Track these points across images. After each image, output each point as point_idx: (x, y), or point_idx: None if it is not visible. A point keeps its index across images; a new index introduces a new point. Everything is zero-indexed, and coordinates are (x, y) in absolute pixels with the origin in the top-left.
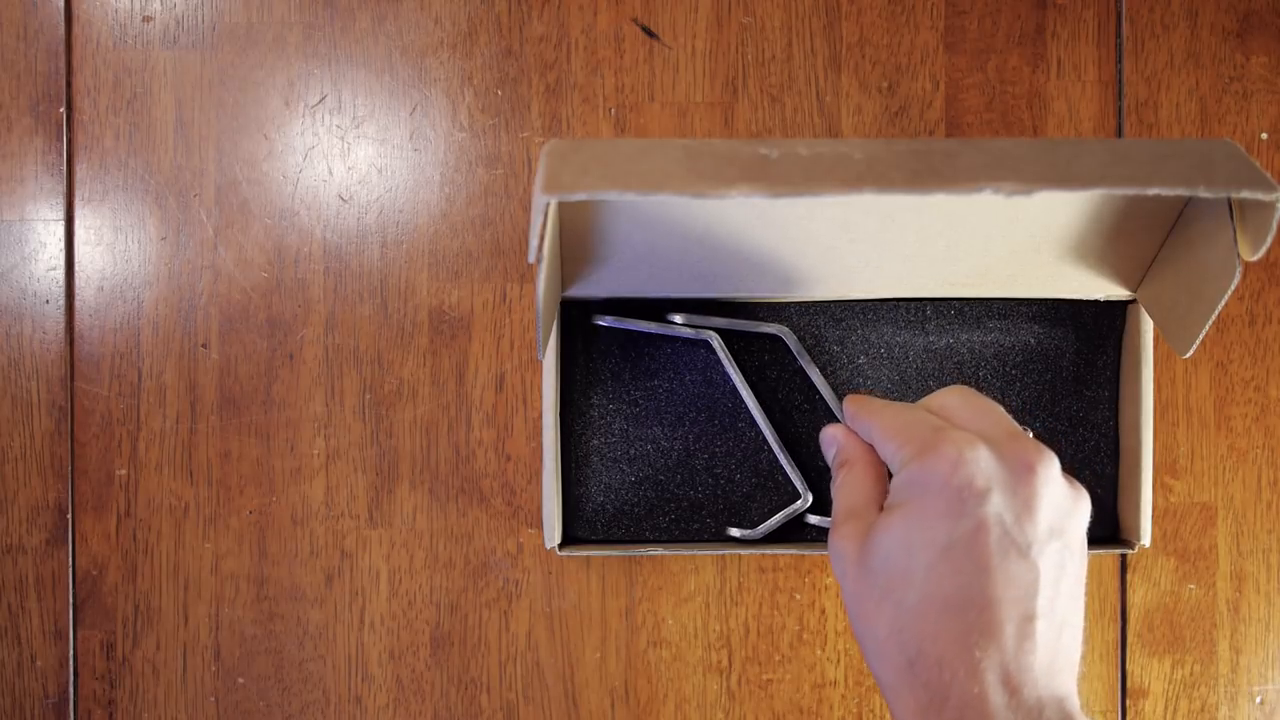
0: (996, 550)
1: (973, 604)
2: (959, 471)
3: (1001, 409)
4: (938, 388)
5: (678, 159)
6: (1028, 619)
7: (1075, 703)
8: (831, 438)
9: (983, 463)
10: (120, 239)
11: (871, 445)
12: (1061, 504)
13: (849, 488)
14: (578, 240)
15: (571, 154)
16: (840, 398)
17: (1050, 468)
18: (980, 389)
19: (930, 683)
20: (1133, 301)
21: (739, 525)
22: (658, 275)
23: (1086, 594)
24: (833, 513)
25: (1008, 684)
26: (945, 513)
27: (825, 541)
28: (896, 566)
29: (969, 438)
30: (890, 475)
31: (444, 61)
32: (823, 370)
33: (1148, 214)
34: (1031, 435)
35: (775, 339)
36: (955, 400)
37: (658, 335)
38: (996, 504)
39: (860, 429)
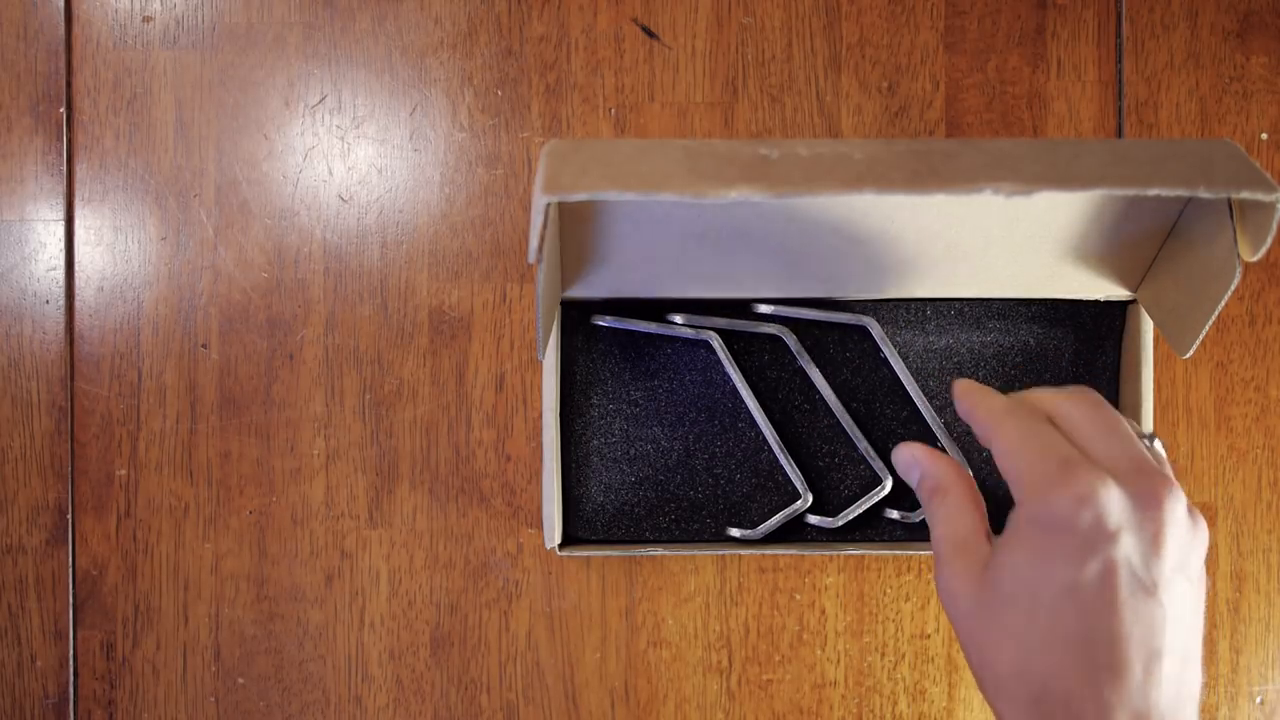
0: (1125, 590)
1: (1100, 642)
2: (1086, 512)
3: (1127, 425)
4: (938, 388)
5: (678, 159)
6: (1154, 656)
7: None
8: (911, 460)
9: (1113, 504)
10: (120, 239)
11: (959, 466)
12: (1185, 538)
13: (949, 518)
14: (578, 240)
15: (571, 154)
16: (840, 398)
17: (1177, 504)
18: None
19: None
20: (1133, 301)
21: (739, 525)
22: (658, 275)
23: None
24: (934, 544)
25: None
26: (1072, 554)
27: (825, 541)
28: (1020, 604)
29: (1099, 475)
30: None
31: (444, 61)
32: (823, 370)
33: (1148, 214)
34: (1158, 445)
35: (775, 339)
36: (1081, 413)
37: (658, 335)
38: (1126, 545)
39: (977, 428)
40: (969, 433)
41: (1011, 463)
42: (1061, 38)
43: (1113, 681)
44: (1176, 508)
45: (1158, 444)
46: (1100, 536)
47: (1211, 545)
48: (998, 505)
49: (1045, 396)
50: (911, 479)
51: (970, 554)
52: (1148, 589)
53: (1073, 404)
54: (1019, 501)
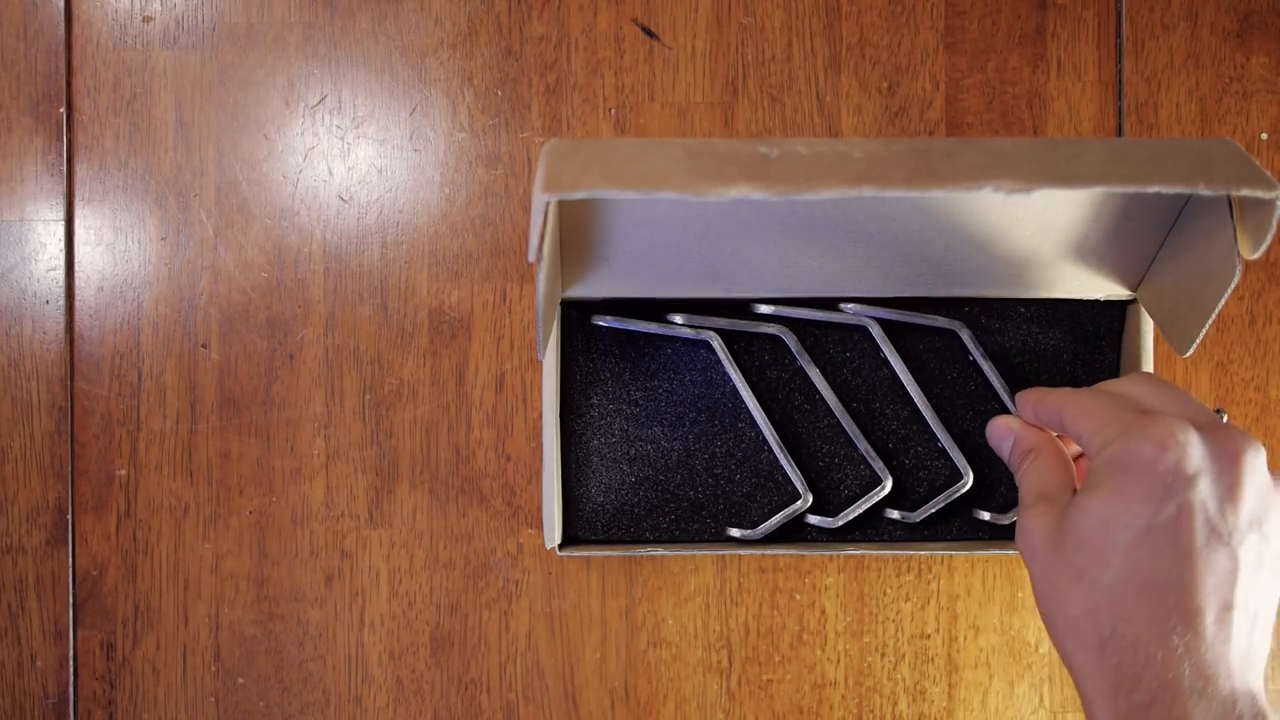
0: (1199, 536)
1: (1172, 588)
2: (1167, 454)
3: (1194, 397)
4: (939, 388)
5: (678, 159)
6: (1225, 608)
7: (1264, 699)
8: (1005, 429)
9: (1192, 447)
10: (120, 239)
11: (1052, 434)
12: (1264, 495)
13: (1037, 473)
14: (578, 240)
15: (571, 154)
16: (840, 398)
17: (1257, 457)
18: (980, 388)
19: (1122, 664)
20: (1133, 301)
21: (739, 525)
22: (658, 275)
23: None
24: (1021, 496)
25: (1202, 672)
26: (1149, 495)
27: (825, 541)
28: (1094, 546)
29: (1179, 421)
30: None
31: (444, 61)
32: (823, 370)
33: (1148, 213)
34: (1225, 419)
35: (775, 339)
36: (1145, 388)
37: (658, 335)
38: (1202, 490)
39: (1045, 415)
40: (969, 433)
41: (1087, 420)
42: (1061, 38)
43: (1183, 628)
44: (1256, 461)
45: (1224, 417)
46: (1179, 479)
47: None
48: (1000, 505)
49: (1107, 382)
50: (1004, 449)
51: (1053, 503)
52: (1222, 538)
53: (1133, 382)
54: (1096, 452)
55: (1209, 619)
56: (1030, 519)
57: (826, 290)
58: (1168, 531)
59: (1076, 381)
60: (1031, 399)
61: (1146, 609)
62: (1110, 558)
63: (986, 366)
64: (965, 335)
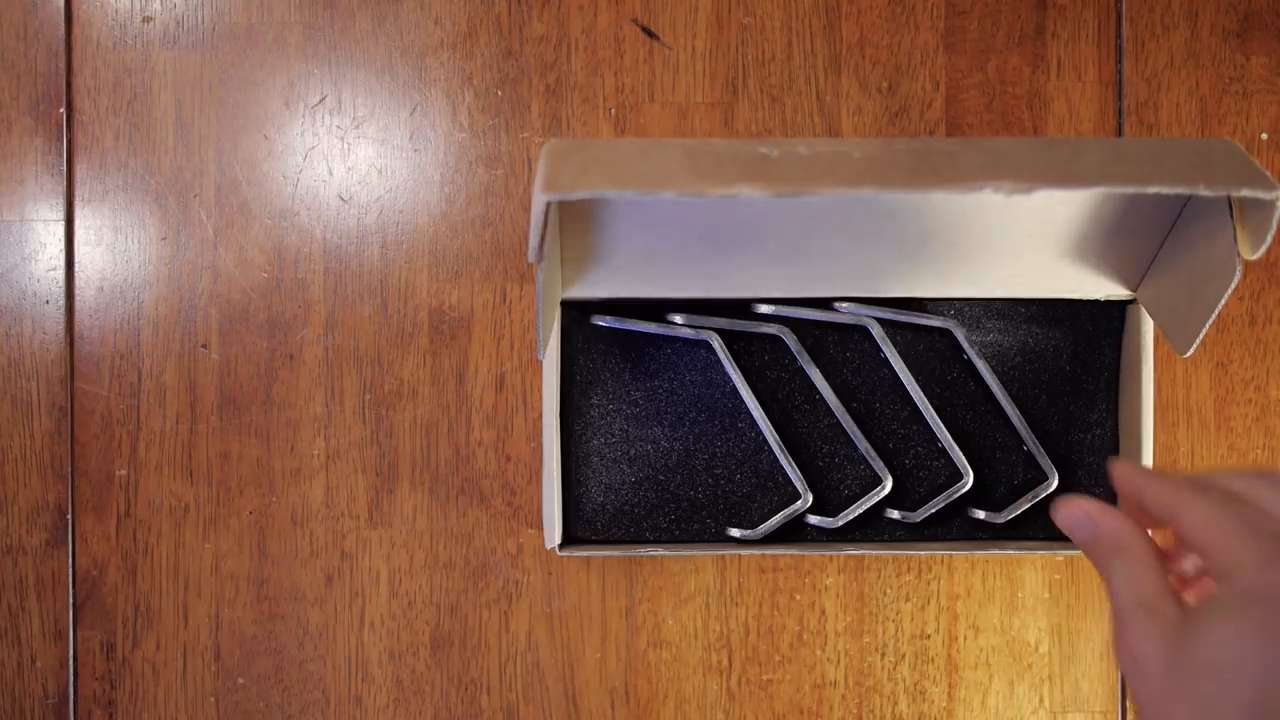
0: None
1: None
2: None
3: None
4: (939, 388)
5: (678, 159)
6: None
7: None
8: (1082, 516)
9: None
10: (120, 239)
11: (1134, 523)
12: None
13: (1134, 576)
14: (578, 240)
15: (571, 154)
16: (840, 398)
17: None
18: (981, 388)
19: None
20: (1133, 301)
21: (739, 525)
22: (658, 275)
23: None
24: (1117, 603)
25: None
26: None
27: (825, 541)
28: (1223, 676)
29: None
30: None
31: (444, 61)
32: (823, 370)
33: (1148, 213)
34: None
35: (775, 339)
36: (1273, 494)
37: (658, 335)
38: None
39: (1154, 507)
40: (970, 434)
41: (1211, 537)
42: (1061, 38)
43: None
44: None
45: None
46: None
47: None
48: (999, 505)
49: (1227, 477)
50: (1079, 536)
51: (1161, 617)
52: None
53: (1260, 482)
54: (1224, 574)
55: None
56: (1134, 635)
57: (826, 290)
58: None
59: (1077, 382)
60: (1136, 482)
61: None
62: (1241, 693)
63: (981, 365)
64: (959, 334)
